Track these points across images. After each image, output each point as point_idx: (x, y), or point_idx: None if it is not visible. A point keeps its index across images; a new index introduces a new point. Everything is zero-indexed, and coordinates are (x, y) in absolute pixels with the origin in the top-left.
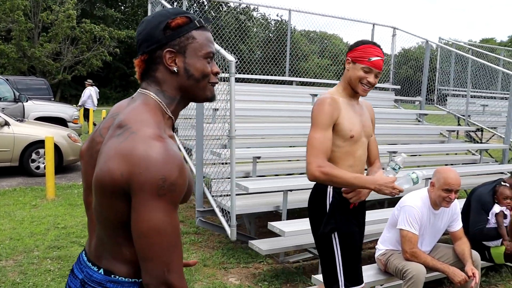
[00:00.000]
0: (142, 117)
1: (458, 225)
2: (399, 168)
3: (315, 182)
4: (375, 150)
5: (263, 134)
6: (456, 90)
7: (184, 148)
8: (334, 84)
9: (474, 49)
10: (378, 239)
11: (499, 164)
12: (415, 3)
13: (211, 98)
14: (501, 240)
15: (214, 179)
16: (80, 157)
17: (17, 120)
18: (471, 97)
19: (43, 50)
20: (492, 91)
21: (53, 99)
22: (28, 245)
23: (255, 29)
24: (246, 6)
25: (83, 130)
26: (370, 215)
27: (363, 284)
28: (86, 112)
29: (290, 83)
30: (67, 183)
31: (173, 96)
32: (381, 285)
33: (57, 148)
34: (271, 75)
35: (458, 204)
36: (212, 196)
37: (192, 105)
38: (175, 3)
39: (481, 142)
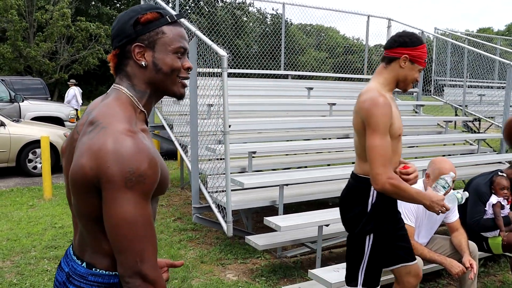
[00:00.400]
0: (112, 112)
1: (454, 216)
2: (448, 187)
3: (350, 180)
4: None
5: (259, 128)
6: (453, 81)
7: (180, 144)
8: (331, 78)
9: (471, 39)
10: None
11: (497, 153)
12: None
13: (179, 96)
14: (498, 230)
15: (210, 175)
16: (61, 155)
17: (13, 121)
18: (468, 87)
19: (39, 50)
20: (489, 80)
21: (49, 98)
22: (25, 246)
23: (251, 24)
24: (242, 2)
25: None
26: None
27: (378, 287)
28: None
29: (286, 77)
30: (64, 182)
31: (143, 90)
32: None
33: (53, 147)
34: (268, 69)
35: None
36: (208, 192)
37: (187, 101)
38: (167, 1)
39: (479, 132)
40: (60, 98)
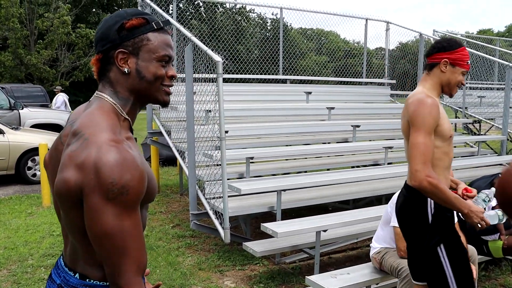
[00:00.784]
0: (95, 122)
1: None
2: (488, 201)
3: (403, 192)
4: None
5: (258, 134)
6: None
7: (178, 150)
8: (333, 82)
9: (470, 40)
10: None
11: (497, 155)
12: None
13: (163, 104)
14: (498, 234)
15: (208, 181)
16: (45, 167)
17: (12, 128)
18: (469, 88)
19: (40, 57)
20: (489, 82)
21: (50, 105)
22: (22, 254)
23: (251, 29)
24: (242, 7)
25: None
26: (367, 212)
27: None
28: None
29: (284, 81)
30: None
31: (127, 97)
32: (377, 283)
33: None
34: (269, 74)
35: None
36: (206, 198)
37: (184, 107)
38: (167, 6)
39: (479, 134)
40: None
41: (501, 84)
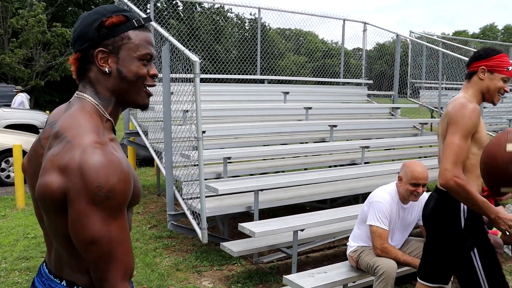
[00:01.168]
0: (78, 123)
1: None
2: None
3: (434, 195)
4: None
5: (236, 134)
6: (428, 83)
7: (155, 151)
8: (310, 82)
9: (446, 42)
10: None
11: None
12: None
13: (143, 107)
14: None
15: (185, 181)
16: (23, 172)
17: None
18: (445, 89)
19: (14, 56)
20: (465, 82)
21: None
22: None
23: (230, 29)
24: (220, 7)
25: None
26: (344, 211)
27: None
28: None
29: (262, 81)
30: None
31: (108, 97)
32: (354, 282)
33: None
34: (246, 74)
35: (427, 197)
36: (183, 198)
37: (161, 107)
38: (145, 5)
39: None
40: (37, 105)
41: None
